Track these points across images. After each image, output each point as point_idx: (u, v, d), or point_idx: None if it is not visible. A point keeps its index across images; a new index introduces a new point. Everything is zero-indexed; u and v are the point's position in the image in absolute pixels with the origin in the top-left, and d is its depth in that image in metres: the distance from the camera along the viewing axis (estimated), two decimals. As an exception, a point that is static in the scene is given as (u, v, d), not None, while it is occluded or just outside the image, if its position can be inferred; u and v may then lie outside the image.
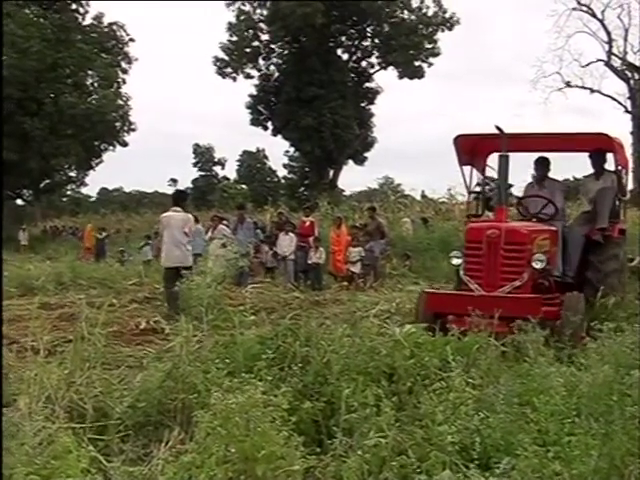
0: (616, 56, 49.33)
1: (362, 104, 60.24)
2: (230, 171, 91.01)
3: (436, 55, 56.92)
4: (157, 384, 6.66)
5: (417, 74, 57.09)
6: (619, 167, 12.30)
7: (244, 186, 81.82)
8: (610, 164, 12.62)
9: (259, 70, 59.10)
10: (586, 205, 13.12)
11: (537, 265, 10.38)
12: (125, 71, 54.60)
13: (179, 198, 15.24)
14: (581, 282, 11.68)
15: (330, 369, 6.68)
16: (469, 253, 10.86)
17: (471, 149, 12.94)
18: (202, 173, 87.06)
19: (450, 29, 56.24)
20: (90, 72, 51.98)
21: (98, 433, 5.97)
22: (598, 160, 12.55)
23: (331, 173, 60.90)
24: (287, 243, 22.61)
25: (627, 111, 51.39)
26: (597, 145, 12.24)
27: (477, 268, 10.66)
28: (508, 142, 11.14)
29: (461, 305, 9.58)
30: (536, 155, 13.01)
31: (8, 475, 4.59)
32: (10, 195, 57.27)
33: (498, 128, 11.07)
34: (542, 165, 12.77)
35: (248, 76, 58.75)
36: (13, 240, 47.24)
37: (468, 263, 10.81)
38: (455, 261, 11.03)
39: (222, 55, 57.09)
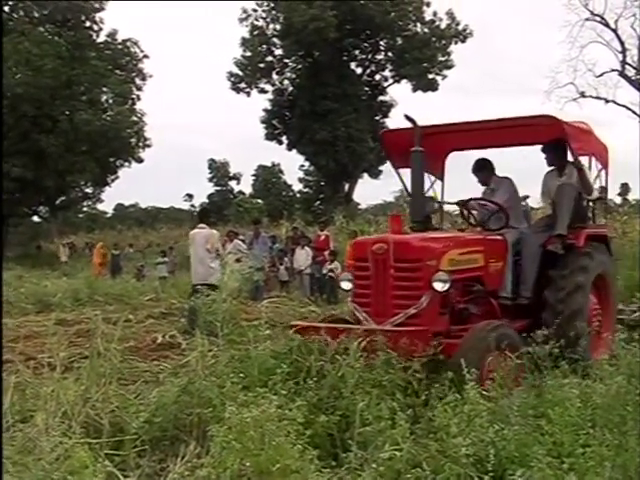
0: (630, 65, 49.02)
1: (376, 117, 60.18)
2: (245, 186, 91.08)
3: (449, 67, 56.98)
4: (173, 399, 6.70)
5: (431, 87, 57.09)
6: (578, 158, 9.99)
7: (259, 200, 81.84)
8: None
9: (273, 85, 59.25)
10: (548, 208, 11.25)
11: (439, 286, 8.20)
12: (139, 87, 54.84)
13: (203, 215, 15.40)
14: (540, 304, 9.63)
15: (345, 383, 6.70)
16: (356, 274, 8.89)
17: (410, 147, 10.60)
18: (218, 188, 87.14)
19: (463, 41, 56.33)
20: (105, 89, 52.17)
21: (114, 448, 6.00)
22: (554, 151, 10.35)
23: (346, 187, 60.89)
24: (303, 257, 22.75)
25: (642, 120, 51.19)
26: (547, 133, 10.03)
27: (364, 293, 8.66)
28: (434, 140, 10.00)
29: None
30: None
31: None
32: (26, 212, 57.54)
33: (408, 118, 9.58)
34: (480, 167, 10.68)
35: (262, 91, 58.91)
36: (31, 257, 47.48)
37: (356, 287, 8.85)
38: (345, 285, 9.08)
39: (236, 70, 57.27)
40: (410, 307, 8.19)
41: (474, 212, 10.61)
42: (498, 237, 9.79)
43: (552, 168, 10.65)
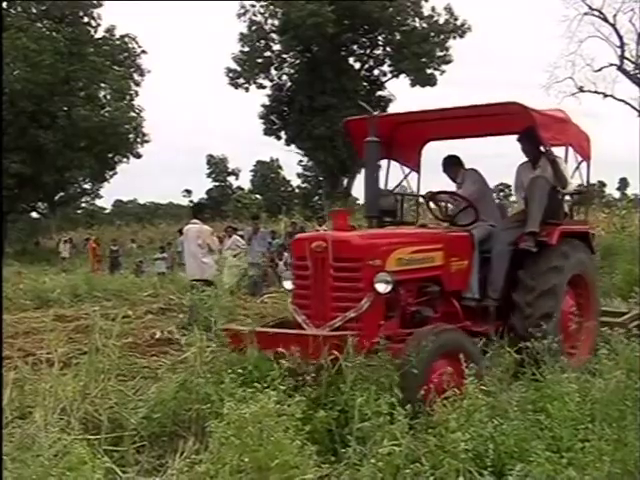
0: (629, 60, 49.09)
1: (375, 112, 60.01)
2: (244, 181, 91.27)
3: (448, 62, 56.96)
4: (172, 395, 6.71)
5: (429, 82, 57.02)
6: (549, 148, 9.32)
7: (258, 196, 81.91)
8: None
9: (271, 80, 59.20)
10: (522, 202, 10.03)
11: (381, 288, 7.57)
12: (137, 83, 54.80)
13: (197, 210, 15.43)
14: (510, 307, 9.05)
15: (344, 378, 6.69)
16: (295, 274, 8.29)
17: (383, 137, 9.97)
18: (216, 184, 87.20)
19: (462, 36, 56.29)
20: (103, 85, 52.15)
21: (113, 444, 6.01)
22: (528, 141, 9.65)
23: (345, 182, 60.89)
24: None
25: (641, 115, 51.20)
26: (518, 122, 9.38)
27: (304, 294, 8.07)
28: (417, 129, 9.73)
29: (266, 345, 7.28)
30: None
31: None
32: (25, 208, 57.54)
33: (363, 106, 9.12)
34: (448, 164, 10.18)
35: (260, 86, 58.86)
36: (29, 253, 47.48)
37: (296, 287, 8.27)
38: (287, 285, 8.48)
39: (234, 66, 57.23)
40: (350, 310, 7.56)
41: (441, 206, 10.15)
42: (463, 233, 9.25)
43: (526, 160, 10.07)
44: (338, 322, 7.50)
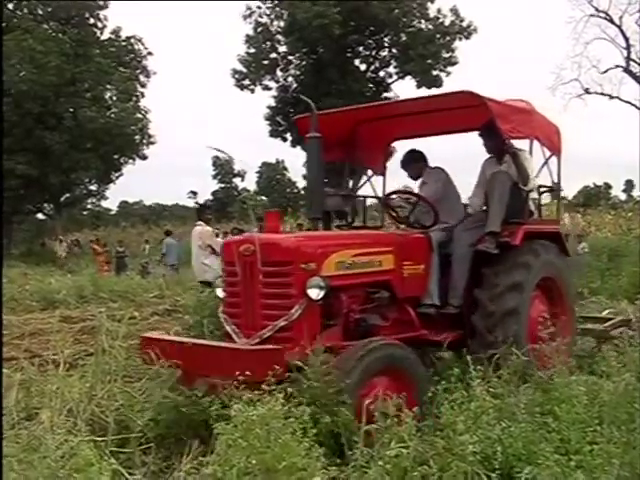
0: (635, 62, 49.03)
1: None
2: (250, 182, 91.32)
3: (454, 64, 56.87)
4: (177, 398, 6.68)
5: (435, 83, 56.85)
6: (507, 140, 8.64)
7: (264, 197, 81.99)
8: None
9: (277, 82, 59.08)
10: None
11: (314, 294, 7.00)
12: (143, 85, 54.83)
13: (200, 211, 15.47)
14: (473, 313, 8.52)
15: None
16: (225, 280, 7.73)
17: (342, 137, 9.84)
18: (222, 185, 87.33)
19: (467, 38, 56.20)
20: (109, 86, 52.13)
21: (120, 446, 5.99)
22: (490, 135, 8.96)
23: (350, 183, 60.83)
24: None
25: (646, 117, 51.25)
26: (476, 115, 8.71)
27: (233, 302, 7.52)
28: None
29: (179, 357, 6.85)
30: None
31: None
32: (31, 209, 57.61)
33: (303, 100, 8.43)
34: (408, 160, 9.68)
35: (266, 88, 58.75)
36: (35, 254, 47.53)
37: (226, 294, 7.71)
38: (219, 293, 7.86)
39: (240, 67, 57.21)
40: (280, 318, 7.00)
41: (398, 207, 9.50)
42: (418, 235, 8.79)
43: (491, 155, 9.49)
44: (267, 332, 6.98)
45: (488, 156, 9.54)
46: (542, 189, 9.69)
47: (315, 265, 7.19)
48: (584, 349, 9.02)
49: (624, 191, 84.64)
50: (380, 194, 10.41)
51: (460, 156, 9.89)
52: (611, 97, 48.58)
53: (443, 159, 9.88)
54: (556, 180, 9.83)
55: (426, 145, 10.07)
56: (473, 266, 8.65)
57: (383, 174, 10.74)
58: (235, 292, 7.49)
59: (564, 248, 9.75)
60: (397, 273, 8.20)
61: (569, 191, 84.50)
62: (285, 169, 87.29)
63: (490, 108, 8.27)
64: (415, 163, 9.62)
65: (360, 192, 10.69)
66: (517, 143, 8.99)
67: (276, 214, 8.00)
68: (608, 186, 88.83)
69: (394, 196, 9.57)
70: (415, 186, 9.69)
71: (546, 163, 9.62)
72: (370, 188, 10.58)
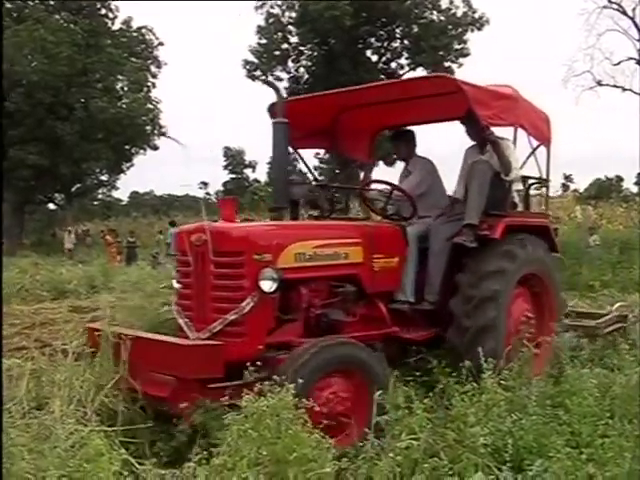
0: (647, 54, 48.85)
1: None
2: (261, 173, 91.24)
3: (465, 56, 56.70)
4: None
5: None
6: (486, 127, 8.13)
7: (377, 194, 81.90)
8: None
9: (288, 72, 58.98)
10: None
11: (266, 286, 6.65)
12: (155, 75, 54.77)
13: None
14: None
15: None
16: (178, 271, 7.42)
17: (325, 125, 9.52)
18: (233, 176, 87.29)
19: (479, 29, 56.01)
20: (120, 76, 52.11)
21: (130, 436, 5.99)
22: (471, 122, 8.48)
23: (361, 175, 60.79)
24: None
25: (659, 109, 51.09)
26: (455, 102, 8.24)
27: (186, 294, 7.20)
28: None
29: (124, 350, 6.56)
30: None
31: (41, 477, 4.62)
32: (42, 200, 57.76)
33: (270, 84, 7.98)
34: (400, 141, 9.40)
35: (278, 79, 58.50)
36: (46, 244, 47.66)
37: (179, 286, 7.38)
38: (176, 284, 7.46)
39: (252, 58, 57.15)
40: (230, 311, 6.65)
41: (376, 198, 9.06)
42: (391, 227, 8.44)
43: (474, 143, 9.05)
44: (218, 326, 6.63)
45: (471, 144, 9.14)
46: (531, 181, 9.27)
47: (270, 256, 6.82)
48: (570, 346, 8.46)
49: (636, 184, 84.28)
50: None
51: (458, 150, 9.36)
52: (624, 89, 48.42)
53: (442, 156, 9.85)
54: (545, 172, 9.43)
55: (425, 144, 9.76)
56: (451, 261, 8.22)
57: (372, 164, 10.26)
58: (187, 283, 7.16)
59: (553, 244, 9.24)
60: (366, 267, 7.79)
61: (581, 184, 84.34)
62: (296, 160, 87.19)
63: (466, 93, 7.85)
64: (406, 142, 9.35)
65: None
66: (502, 131, 8.58)
67: (231, 201, 7.58)
68: (620, 179, 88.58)
69: (373, 187, 9.27)
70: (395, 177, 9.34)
71: (533, 153, 9.25)
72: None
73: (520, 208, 9.08)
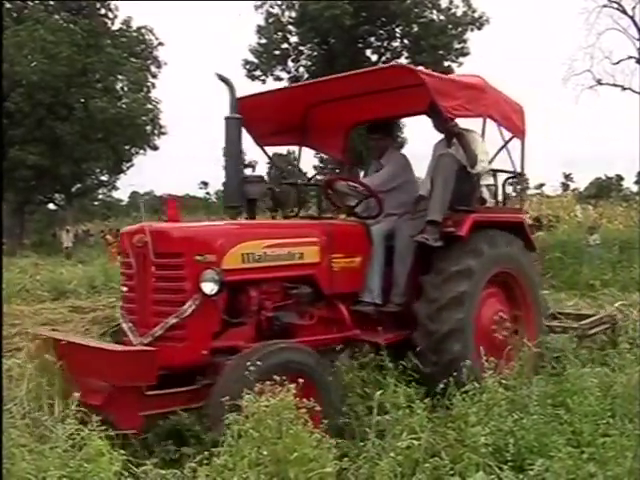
0: (647, 53, 48.84)
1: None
2: (261, 173, 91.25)
3: (465, 55, 56.75)
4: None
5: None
6: (449, 118, 7.77)
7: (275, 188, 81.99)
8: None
9: (288, 72, 58.98)
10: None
11: (207, 288, 6.38)
12: (154, 75, 54.82)
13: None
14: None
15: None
16: (122, 273, 7.11)
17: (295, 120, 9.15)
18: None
19: (479, 29, 56.04)
20: (120, 76, 52.20)
21: (131, 436, 5.98)
22: (437, 114, 8.02)
23: (361, 174, 60.75)
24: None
25: (659, 109, 51.10)
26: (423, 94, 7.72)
27: (130, 297, 6.90)
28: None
29: (62, 355, 6.24)
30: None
31: (41, 478, 4.62)
32: (42, 200, 57.80)
33: (222, 78, 7.45)
34: (374, 130, 9.01)
35: (277, 78, 58.63)
36: (46, 244, 47.67)
37: (123, 289, 7.11)
38: (123, 287, 7.10)
39: (251, 58, 57.21)
40: (171, 315, 6.39)
41: (341, 195, 8.57)
42: (353, 225, 8.16)
43: (442, 137, 8.66)
44: (159, 331, 6.37)
45: (439, 138, 8.75)
46: (505, 175, 8.91)
47: (214, 257, 6.55)
48: (554, 348, 8.20)
49: (636, 183, 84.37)
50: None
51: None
52: (623, 88, 48.42)
53: (424, 154, 9.23)
54: (519, 165, 8.98)
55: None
56: (417, 260, 7.86)
57: (344, 160, 10.29)
58: (131, 286, 6.87)
59: (529, 241, 8.81)
60: (324, 267, 7.45)
61: (581, 183, 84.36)
62: (296, 160, 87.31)
63: (426, 84, 7.45)
64: (382, 136, 8.93)
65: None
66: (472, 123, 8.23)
67: (173, 201, 7.19)
68: (620, 178, 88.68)
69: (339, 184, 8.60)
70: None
71: (505, 146, 8.80)
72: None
73: (490, 203, 8.70)
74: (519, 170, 8.96)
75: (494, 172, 8.66)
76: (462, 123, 8.09)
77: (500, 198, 8.95)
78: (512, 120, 8.81)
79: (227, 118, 7.51)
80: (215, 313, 6.56)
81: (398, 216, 8.29)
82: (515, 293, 8.52)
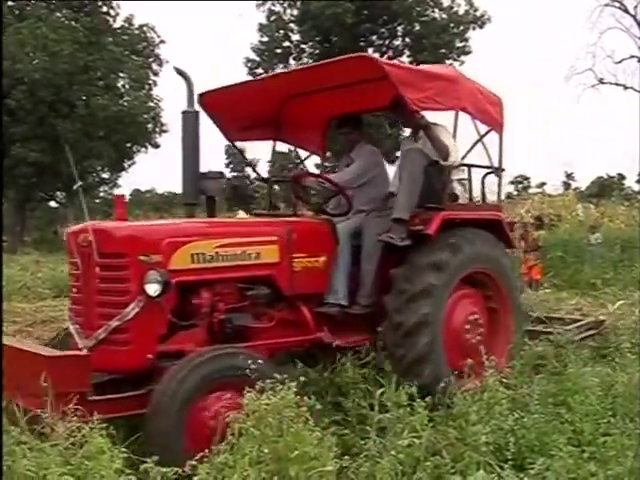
0: (650, 52, 48.80)
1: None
2: (262, 172, 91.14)
3: (467, 54, 56.69)
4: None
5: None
6: (415, 111, 7.40)
7: (276, 187, 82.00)
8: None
9: (290, 70, 59.06)
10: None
11: (151, 289, 6.14)
12: (156, 73, 54.72)
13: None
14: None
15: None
16: (71, 274, 6.88)
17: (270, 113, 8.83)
18: (234, 174, 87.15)
19: (481, 27, 55.99)
20: (121, 74, 52.12)
21: (131, 433, 5.98)
22: (402, 108, 7.56)
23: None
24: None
25: (661, 108, 51.08)
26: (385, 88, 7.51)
27: (76, 298, 6.67)
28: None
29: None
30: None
31: (42, 475, 4.62)
32: (43, 197, 57.77)
33: (179, 71, 7.39)
34: (345, 127, 8.63)
35: (279, 77, 58.69)
36: (47, 242, 47.65)
37: (74, 290, 6.79)
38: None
39: (253, 56, 57.18)
40: (115, 317, 6.15)
41: (308, 191, 8.31)
42: (317, 223, 7.87)
43: (410, 132, 8.39)
44: (102, 333, 6.14)
45: (408, 134, 8.46)
46: (485, 171, 8.60)
47: (160, 257, 6.31)
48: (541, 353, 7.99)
49: (638, 182, 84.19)
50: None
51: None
52: (625, 87, 48.41)
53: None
54: (497, 160, 8.60)
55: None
56: (385, 260, 7.58)
57: (322, 156, 9.83)
58: (77, 287, 6.63)
59: (507, 239, 8.45)
60: (283, 267, 7.15)
61: (582, 182, 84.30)
62: (298, 158, 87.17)
63: (389, 74, 7.07)
64: (350, 130, 8.59)
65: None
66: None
67: (120, 199, 7.04)
68: (622, 177, 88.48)
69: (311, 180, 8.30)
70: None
71: (481, 139, 8.37)
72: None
73: (463, 200, 8.41)
74: (497, 165, 8.59)
75: (469, 167, 8.33)
76: (432, 117, 7.88)
77: (479, 195, 8.75)
78: (489, 113, 8.45)
79: (183, 112, 7.39)
80: (161, 315, 6.30)
81: (366, 213, 7.99)
82: (491, 294, 8.20)
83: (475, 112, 8.12)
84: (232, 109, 8.04)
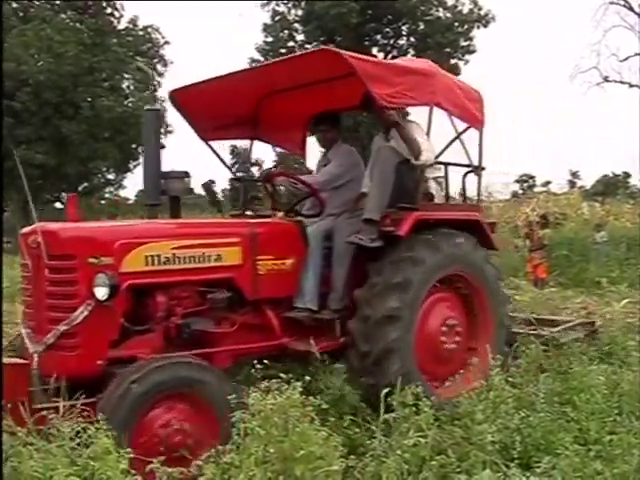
0: (654, 50, 48.73)
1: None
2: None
3: (472, 52, 56.65)
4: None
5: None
6: (383, 106, 7.00)
7: (281, 187, 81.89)
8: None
9: (294, 70, 59.03)
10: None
11: (99, 293, 5.90)
12: (161, 74, 54.76)
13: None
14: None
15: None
16: (23, 276, 6.68)
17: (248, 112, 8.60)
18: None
19: (485, 26, 55.95)
20: (126, 75, 52.13)
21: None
22: (371, 105, 7.31)
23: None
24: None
25: (666, 105, 51.01)
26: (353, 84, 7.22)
27: (28, 301, 6.52)
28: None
29: None
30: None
31: (49, 476, 4.62)
32: (49, 199, 57.80)
33: (140, 69, 6.89)
34: (322, 124, 8.38)
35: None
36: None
37: (26, 293, 6.63)
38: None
39: (257, 56, 57.17)
40: (63, 321, 5.91)
41: (281, 191, 8.00)
42: (285, 225, 7.63)
43: (382, 130, 8.06)
44: (51, 338, 5.88)
45: (380, 132, 8.14)
46: (466, 170, 8.21)
47: (111, 259, 6.10)
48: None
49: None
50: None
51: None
52: (630, 85, 48.30)
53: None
54: (477, 158, 8.25)
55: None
56: (356, 263, 7.30)
57: (301, 155, 9.69)
58: (28, 290, 6.49)
59: (487, 239, 8.01)
60: (246, 269, 6.93)
61: (588, 180, 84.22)
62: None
63: (355, 68, 6.83)
64: (328, 127, 8.32)
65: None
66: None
67: (72, 199, 6.82)
68: (627, 175, 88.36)
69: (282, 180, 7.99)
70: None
71: (459, 137, 8.08)
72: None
73: (439, 199, 7.91)
74: (476, 164, 8.24)
75: (445, 165, 7.93)
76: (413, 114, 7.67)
77: (461, 194, 8.48)
78: (467, 109, 8.09)
79: (146, 110, 7.26)
80: (112, 320, 6.09)
81: (337, 215, 7.77)
82: (470, 297, 7.81)
83: (452, 108, 7.83)
84: (206, 107, 7.81)
